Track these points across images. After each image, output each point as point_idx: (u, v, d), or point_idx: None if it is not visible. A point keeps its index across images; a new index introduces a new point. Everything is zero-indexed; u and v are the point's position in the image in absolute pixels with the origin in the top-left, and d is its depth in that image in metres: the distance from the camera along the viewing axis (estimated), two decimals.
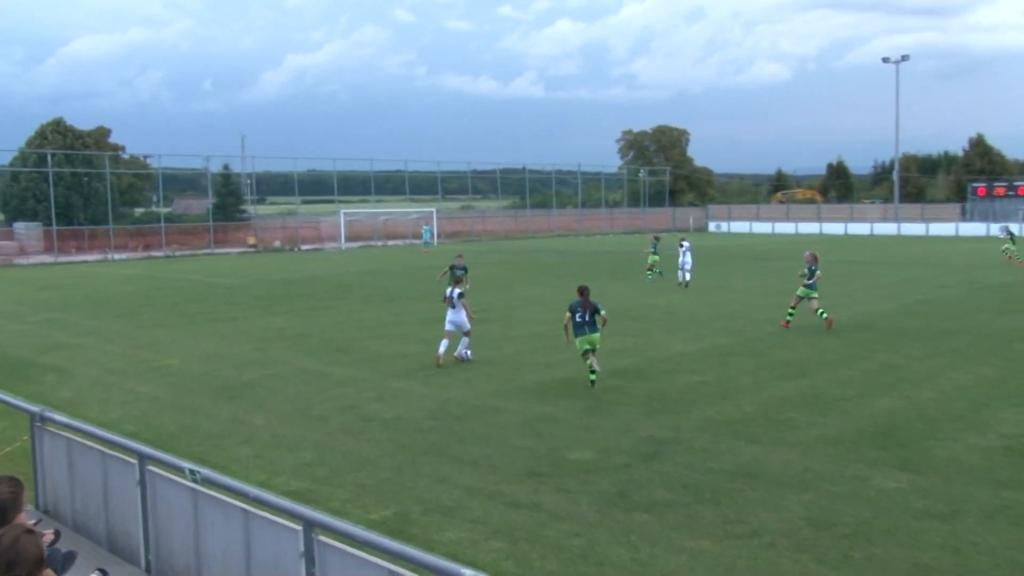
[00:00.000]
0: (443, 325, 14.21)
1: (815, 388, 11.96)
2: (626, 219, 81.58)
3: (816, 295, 17.43)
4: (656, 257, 28.87)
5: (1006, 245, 36.58)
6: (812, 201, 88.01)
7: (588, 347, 11.90)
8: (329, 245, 58.42)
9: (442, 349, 13.86)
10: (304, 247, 57.49)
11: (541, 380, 12.72)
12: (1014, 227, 45.56)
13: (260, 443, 9.57)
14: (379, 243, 61.71)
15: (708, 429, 9.88)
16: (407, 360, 14.42)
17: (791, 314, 17.39)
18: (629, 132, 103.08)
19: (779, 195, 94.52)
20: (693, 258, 26.50)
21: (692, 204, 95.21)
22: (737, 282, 27.80)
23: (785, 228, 76.14)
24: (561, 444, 9.36)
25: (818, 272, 17.51)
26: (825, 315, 17.14)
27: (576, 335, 11.92)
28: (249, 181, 63.14)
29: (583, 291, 12.04)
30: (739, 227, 78.86)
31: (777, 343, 15.77)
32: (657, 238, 29.52)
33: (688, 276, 25.91)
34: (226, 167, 62.38)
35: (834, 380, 12.49)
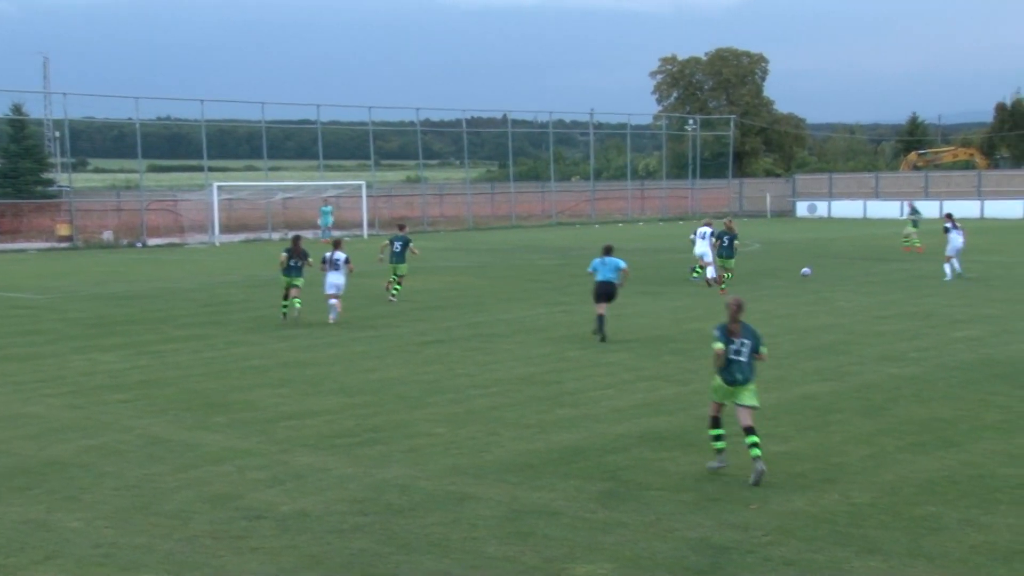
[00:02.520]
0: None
1: (973, 465, 11.99)
2: (665, 197, 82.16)
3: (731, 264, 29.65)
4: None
5: None
6: (969, 165, 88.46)
7: (291, 285, 23.72)
8: (194, 238, 58.32)
9: (333, 316, 23.55)
10: (153, 241, 57.35)
11: (531, 450, 12.75)
12: None
13: (74, 560, 9.47)
14: (275, 235, 61.64)
15: (796, 530, 9.90)
16: (320, 421, 14.40)
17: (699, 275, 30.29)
18: (672, 59, 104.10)
19: (913, 156, 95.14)
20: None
21: (771, 173, 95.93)
22: (843, 297, 28.03)
23: (921, 209, 75.95)
24: (562, 552, 9.37)
25: (737, 241, 29.60)
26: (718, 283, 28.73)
27: (284, 275, 23.84)
28: (58, 133, 62.61)
29: (295, 240, 24.25)
30: (846, 209, 79.53)
31: (906, 393, 15.85)
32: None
33: (712, 272, 31.40)
34: (17, 109, 61.64)
35: (1005, 453, 12.50)
